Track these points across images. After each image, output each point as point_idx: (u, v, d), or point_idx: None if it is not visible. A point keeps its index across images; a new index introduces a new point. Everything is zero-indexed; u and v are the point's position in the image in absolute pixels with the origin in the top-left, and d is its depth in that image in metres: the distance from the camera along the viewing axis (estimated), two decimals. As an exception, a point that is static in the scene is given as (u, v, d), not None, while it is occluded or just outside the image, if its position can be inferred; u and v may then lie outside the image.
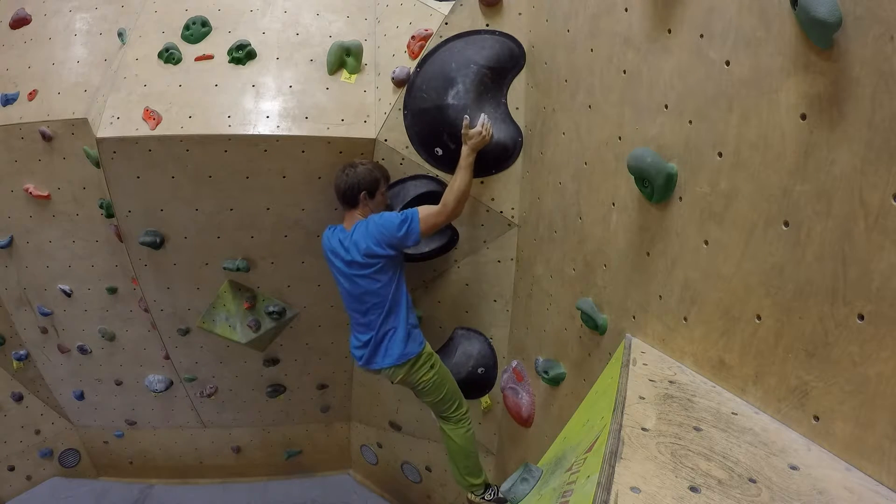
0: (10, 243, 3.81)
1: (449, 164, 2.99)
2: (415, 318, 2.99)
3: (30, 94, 3.45)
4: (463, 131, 2.80)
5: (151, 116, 3.01)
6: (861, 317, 1.14)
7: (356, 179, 2.87)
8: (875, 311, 1.11)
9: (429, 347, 3.01)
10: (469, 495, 3.12)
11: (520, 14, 2.80)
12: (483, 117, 2.80)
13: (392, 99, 3.07)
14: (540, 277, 2.80)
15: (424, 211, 2.78)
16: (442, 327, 3.53)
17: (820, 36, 1.15)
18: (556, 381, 2.62)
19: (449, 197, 2.76)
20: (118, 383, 4.31)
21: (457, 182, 2.77)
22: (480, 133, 2.77)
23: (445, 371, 3.07)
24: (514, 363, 3.15)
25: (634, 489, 1.11)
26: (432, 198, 3.05)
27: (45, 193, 3.62)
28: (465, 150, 2.80)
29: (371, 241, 2.79)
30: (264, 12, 3.29)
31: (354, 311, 2.98)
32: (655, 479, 1.15)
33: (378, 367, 2.94)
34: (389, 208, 3.04)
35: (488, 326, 3.38)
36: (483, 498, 3.08)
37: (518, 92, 2.86)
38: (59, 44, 3.49)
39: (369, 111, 3.11)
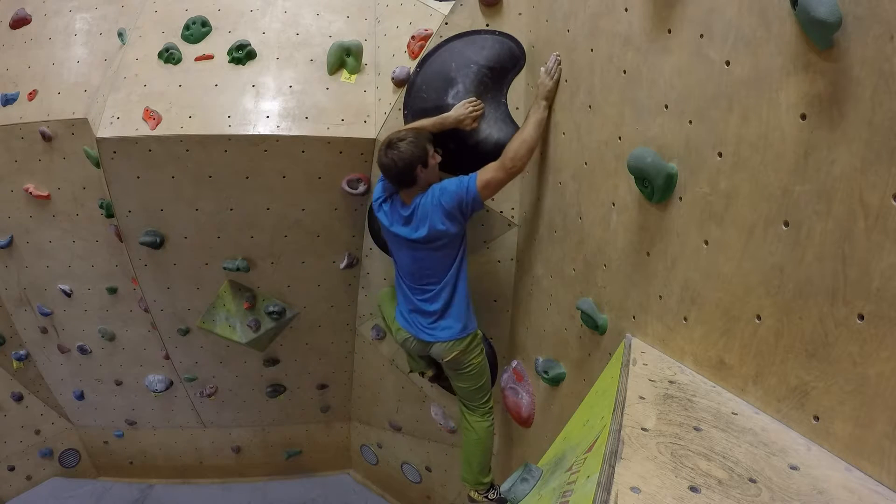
0: (10, 243, 3.81)
1: (449, 164, 2.99)
2: (470, 293, 2.91)
3: (30, 94, 3.46)
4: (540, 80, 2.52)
5: (151, 116, 3.01)
6: (861, 317, 1.14)
7: (407, 157, 2.61)
8: (875, 311, 1.11)
9: None
10: (472, 493, 3.11)
11: (520, 14, 2.80)
12: (553, 58, 2.45)
13: (392, 99, 3.07)
14: (540, 277, 2.80)
15: (482, 171, 2.58)
16: (442, 327, 3.53)
17: (820, 36, 1.15)
18: (556, 381, 2.62)
19: (510, 146, 2.51)
20: (118, 383, 4.31)
21: (525, 131, 2.51)
22: (551, 75, 2.43)
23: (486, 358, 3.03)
24: (514, 363, 3.15)
25: (634, 489, 1.11)
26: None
27: (45, 193, 3.62)
28: (540, 101, 2.51)
29: (436, 216, 2.63)
30: (264, 12, 3.29)
31: (416, 283, 2.84)
32: (655, 479, 1.15)
33: (435, 339, 2.84)
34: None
35: (488, 326, 3.38)
36: (486, 497, 3.07)
37: (518, 92, 2.86)
38: (59, 44, 3.49)
39: (369, 111, 3.11)
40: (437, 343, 2.85)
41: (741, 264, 1.44)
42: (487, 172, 2.56)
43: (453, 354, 2.85)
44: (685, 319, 1.67)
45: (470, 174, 2.61)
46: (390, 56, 3.15)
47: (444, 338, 2.83)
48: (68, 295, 3.95)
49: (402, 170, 2.63)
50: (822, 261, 1.21)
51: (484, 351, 2.97)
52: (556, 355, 2.67)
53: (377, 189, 2.87)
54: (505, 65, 2.85)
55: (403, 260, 2.87)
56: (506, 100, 2.88)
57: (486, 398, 3.03)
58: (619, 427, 1.33)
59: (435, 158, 2.72)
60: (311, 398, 4.38)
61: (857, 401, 1.16)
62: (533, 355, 2.90)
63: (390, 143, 2.66)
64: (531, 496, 1.65)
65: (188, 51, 3.18)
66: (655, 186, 1.70)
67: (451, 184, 2.63)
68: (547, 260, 2.71)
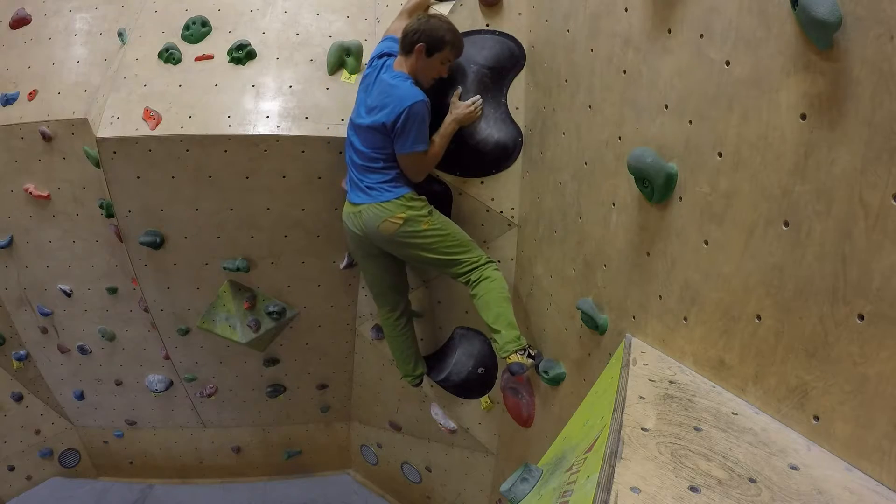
0: (10, 243, 3.81)
1: (450, 163, 2.99)
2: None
3: (30, 94, 3.45)
4: (451, 100, 2.78)
5: (151, 116, 3.01)
6: (861, 317, 1.14)
7: (423, 28, 2.64)
8: (875, 311, 1.11)
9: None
10: (514, 357, 2.65)
11: (520, 14, 2.80)
12: (477, 97, 2.81)
13: (392, 99, 3.07)
14: (540, 277, 2.80)
15: (428, 155, 2.74)
16: (441, 327, 3.53)
17: (820, 36, 1.15)
18: (556, 381, 2.62)
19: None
20: (118, 383, 4.31)
21: (431, 148, 2.75)
22: (469, 109, 2.77)
23: (447, 220, 2.86)
24: (514, 363, 3.15)
25: (634, 489, 1.11)
26: None
27: (45, 193, 3.62)
28: (448, 118, 2.77)
29: (394, 116, 2.62)
30: (264, 12, 3.29)
31: (359, 165, 2.82)
32: (655, 479, 1.15)
33: (365, 201, 2.78)
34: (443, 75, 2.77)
35: (488, 326, 3.37)
36: (530, 356, 2.67)
37: (518, 92, 2.86)
38: (59, 44, 3.48)
39: (369, 111, 3.11)
40: (367, 207, 2.75)
41: (741, 264, 1.44)
42: (414, 163, 2.73)
43: (394, 221, 2.70)
44: (685, 319, 1.67)
45: (422, 144, 2.68)
46: (390, 56, 3.15)
47: (389, 197, 2.72)
48: (68, 295, 3.94)
49: (410, 31, 2.66)
50: (822, 261, 1.22)
51: (437, 212, 2.82)
52: (556, 355, 2.67)
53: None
54: (505, 65, 2.85)
55: (357, 131, 2.82)
56: (506, 100, 2.88)
57: (473, 253, 2.78)
58: (619, 427, 1.33)
59: (441, 67, 2.71)
60: (311, 398, 4.38)
61: (857, 401, 1.16)
62: (533, 355, 2.89)
63: (432, 14, 2.81)
64: (531, 496, 1.65)
65: (188, 51, 3.18)
66: (655, 186, 1.70)
67: (409, 134, 2.63)
68: (547, 260, 2.71)
